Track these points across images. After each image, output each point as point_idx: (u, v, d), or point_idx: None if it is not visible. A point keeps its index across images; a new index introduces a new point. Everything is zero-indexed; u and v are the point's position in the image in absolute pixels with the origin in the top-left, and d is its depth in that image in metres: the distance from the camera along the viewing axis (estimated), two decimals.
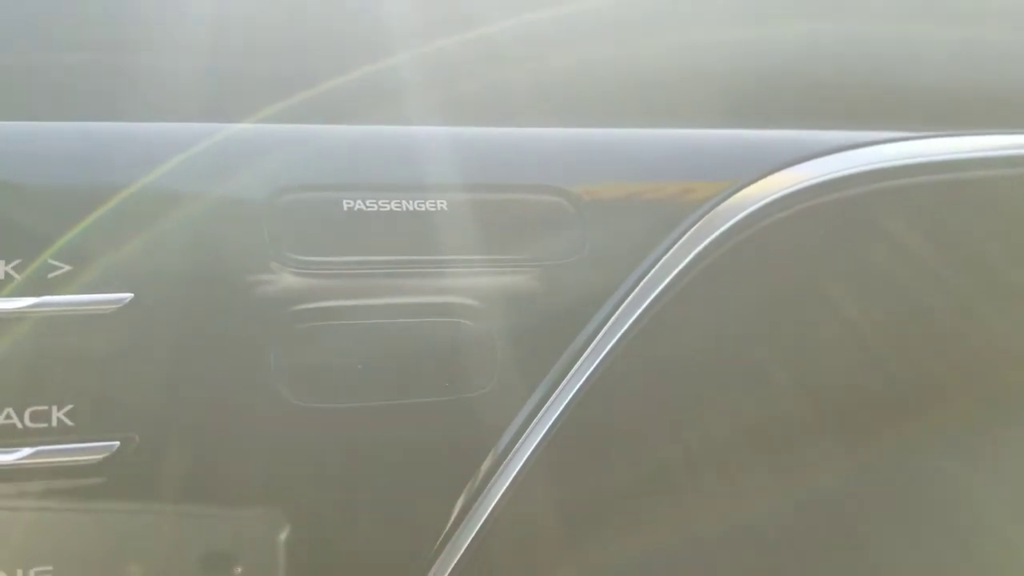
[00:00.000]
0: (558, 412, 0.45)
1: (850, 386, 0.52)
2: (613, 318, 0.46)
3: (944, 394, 0.55)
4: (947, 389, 0.54)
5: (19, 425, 0.39)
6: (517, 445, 0.45)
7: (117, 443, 0.40)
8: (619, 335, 0.46)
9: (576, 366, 0.45)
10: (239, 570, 0.42)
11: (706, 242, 0.47)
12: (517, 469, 0.45)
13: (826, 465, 0.53)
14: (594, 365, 0.46)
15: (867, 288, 0.50)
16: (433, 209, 0.45)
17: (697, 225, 0.47)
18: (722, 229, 0.47)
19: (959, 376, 0.54)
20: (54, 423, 0.39)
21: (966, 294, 0.51)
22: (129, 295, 0.41)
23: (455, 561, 0.44)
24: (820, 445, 0.53)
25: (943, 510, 0.56)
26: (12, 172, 0.42)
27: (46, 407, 0.40)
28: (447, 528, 0.44)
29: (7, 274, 0.40)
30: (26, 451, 0.39)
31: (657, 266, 0.46)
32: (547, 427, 0.45)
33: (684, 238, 0.47)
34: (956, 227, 0.51)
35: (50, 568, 0.39)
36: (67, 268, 0.41)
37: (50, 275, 0.40)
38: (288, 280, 0.43)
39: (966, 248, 0.52)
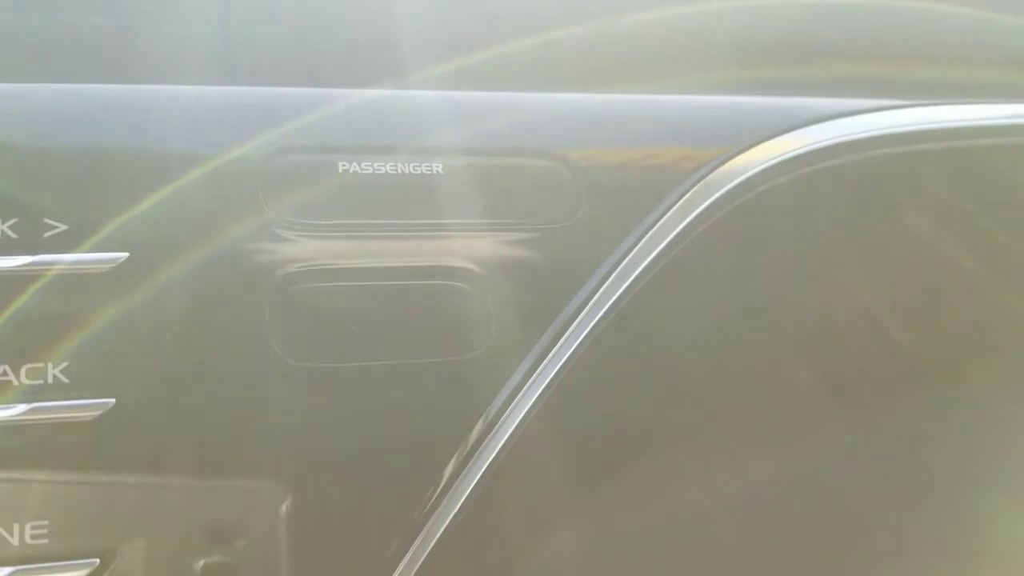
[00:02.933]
0: (552, 374, 0.45)
1: (848, 357, 0.51)
2: (607, 283, 0.46)
3: (947, 367, 0.54)
4: (949, 361, 0.54)
5: (15, 382, 0.40)
6: (509, 408, 0.45)
7: (113, 400, 0.40)
8: (613, 299, 0.46)
9: (570, 330, 0.45)
10: (233, 526, 0.42)
11: (702, 207, 0.47)
12: (508, 433, 0.45)
13: (823, 438, 0.53)
14: (588, 329, 0.46)
15: (865, 256, 0.50)
16: (429, 172, 0.45)
17: (693, 190, 0.47)
18: (718, 194, 0.47)
19: (961, 348, 0.54)
20: (50, 379, 0.40)
21: (968, 263, 0.51)
22: (124, 255, 0.41)
23: (445, 525, 0.44)
24: (818, 417, 0.52)
25: (948, 487, 0.55)
26: (9, 132, 0.42)
27: (42, 364, 0.40)
28: (437, 492, 0.44)
29: (4, 233, 0.40)
30: (22, 407, 0.39)
31: (652, 231, 0.46)
32: (540, 390, 0.45)
33: (680, 203, 0.47)
34: (957, 195, 0.51)
35: (46, 523, 0.40)
36: (63, 227, 0.41)
37: (46, 234, 0.41)
38: (282, 241, 0.43)
39: (967, 217, 0.51)
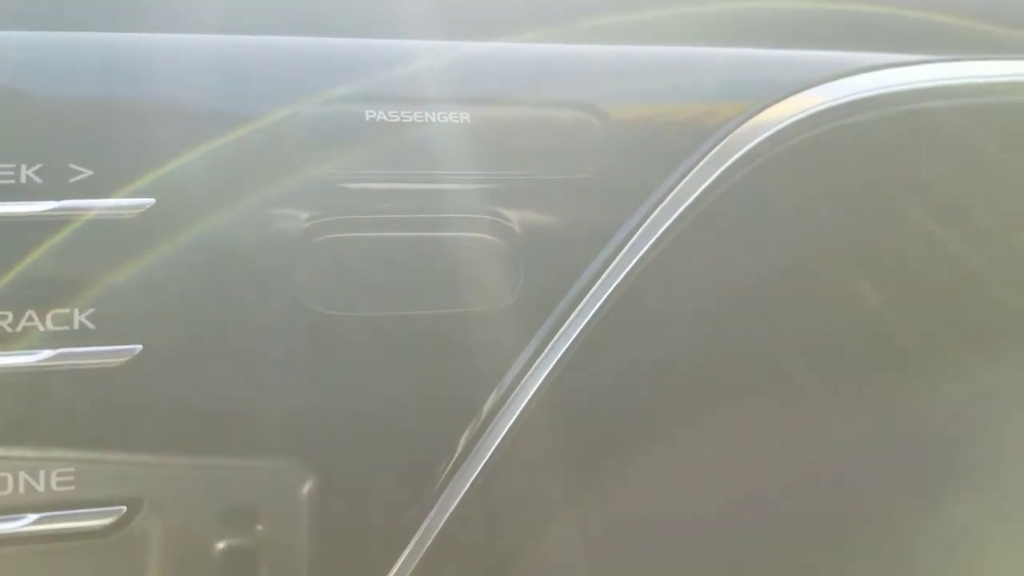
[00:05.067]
0: (580, 327, 0.45)
1: (874, 316, 0.51)
2: (635, 236, 0.45)
3: (964, 329, 0.54)
4: (968, 323, 0.54)
5: (41, 327, 0.39)
6: (537, 362, 0.44)
7: (139, 346, 0.40)
8: (642, 252, 0.45)
9: (598, 282, 0.45)
10: (257, 478, 0.41)
11: (732, 160, 0.46)
12: (535, 388, 0.44)
13: (862, 401, 0.52)
14: (616, 282, 0.45)
15: (895, 213, 0.50)
16: (456, 122, 0.44)
17: (723, 143, 0.46)
18: (748, 147, 0.46)
19: (981, 309, 0.54)
20: (76, 326, 0.39)
21: (994, 221, 0.51)
22: (151, 201, 0.40)
23: (463, 491, 0.44)
24: (840, 379, 0.52)
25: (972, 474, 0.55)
26: (36, 80, 0.41)
27: (68, 310, 0.39)
28: (457, 454, 0.44)
29: (29, 178, 0.40)
30: (47, 353, 0.39)
31: (681, 184, 0.46)
32: (568, 343, 0.44)
33: (710, 155, 0.46)
34: (986, 152, 0.50)
35: (72, 470, 0.39)
36: (89, 173, 0.40)
37: (72, 180, 0.40)
38: (310, 191, 0.42)
39: (996, 174, 0.51)
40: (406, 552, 0.43)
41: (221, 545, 0.41)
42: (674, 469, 0.50)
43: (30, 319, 0.39)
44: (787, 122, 0.47)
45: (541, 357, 0.44)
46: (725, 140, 0.47)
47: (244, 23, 0.45)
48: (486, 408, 0.44)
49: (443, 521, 0.43)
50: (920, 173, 0.50)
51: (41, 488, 0.39)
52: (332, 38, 0.45)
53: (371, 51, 0.45)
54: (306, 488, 0.42)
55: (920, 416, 0.53)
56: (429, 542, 0.43)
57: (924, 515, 0.54)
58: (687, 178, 0.46)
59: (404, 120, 0.44)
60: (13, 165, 0.40)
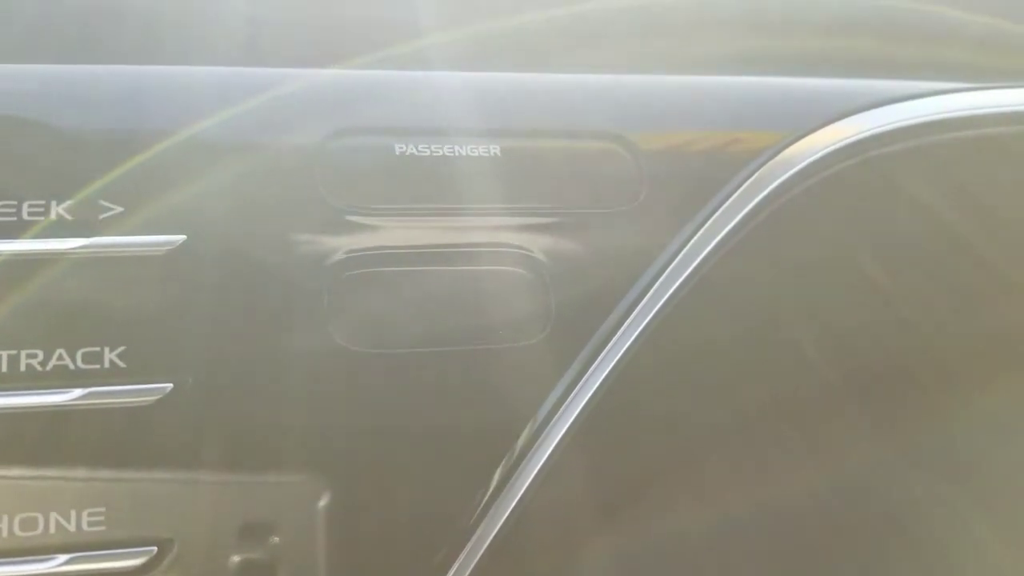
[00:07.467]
0: (613, 363, 0.44)
1: (915, 345, 0.50)
2: (669, 270, 0.45)
3: (1012, 351, 0.53)
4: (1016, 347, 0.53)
5: (71, 366, 0.39)
6: (571, 396, 0.44)
7: (170, 385, 0.39)
8: (675, 287, 0.45)
9: (631, 318, 0.44)
10: (288, 517, 0.41)
11: (767, 191, 0.45)
12: (570, 421, 0.44)
13: (891, 420, 0.52)
14: (648, 318, 0.44)
15: (933, 242, 0.49)
16: (486, 155, 0.44)
17: (757, 174, 0.46)
18: (783, 178, 0.46)
19: None
20: (106, 364, 0.39)
21: None
22: (182, 237, 0.40)
23: (506, 515, 0.43)
24: (884, 403, 0.51)
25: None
26: (65, 115, 0.41)
27: (98, 348, 0.39)
28: (491, 490, 0.43)
29: (59, 215, 0.40)
30: (79, 392, 0.39)
31: (715, 216, 0.45)
32: (603, 376, 0.44)
33: (744, 187, 0.45)
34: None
35: (102, 510, 0.39)
36: (119, 210, 0.40)
37: (101, 216, 0.40)
38: (339, 225, 0.42)
39: None
40: None
41: None
42: (711, 499, 0.50)
43: (60, 358, 0.39)
44: (823, 152, 0.47)
45: (575, 390, 0.43)
46: (760, 171, 0.46)
47: (273, 56, 0.45)
48: (520, 442, 0.43)
49: (479, 555, 0.43)
50: (954, 202, 0.49)
51: (72, 528, 0.38)
52: (360, 71, 0.45)
53: (400, 84, 0.45)
54: (341, 525, 0.41)
55: (969, 436, 0.52)
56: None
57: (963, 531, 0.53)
58: (721, 210, 0.45)
59: (434, 154, 0.43)
60: (43, 201, 0.40)
